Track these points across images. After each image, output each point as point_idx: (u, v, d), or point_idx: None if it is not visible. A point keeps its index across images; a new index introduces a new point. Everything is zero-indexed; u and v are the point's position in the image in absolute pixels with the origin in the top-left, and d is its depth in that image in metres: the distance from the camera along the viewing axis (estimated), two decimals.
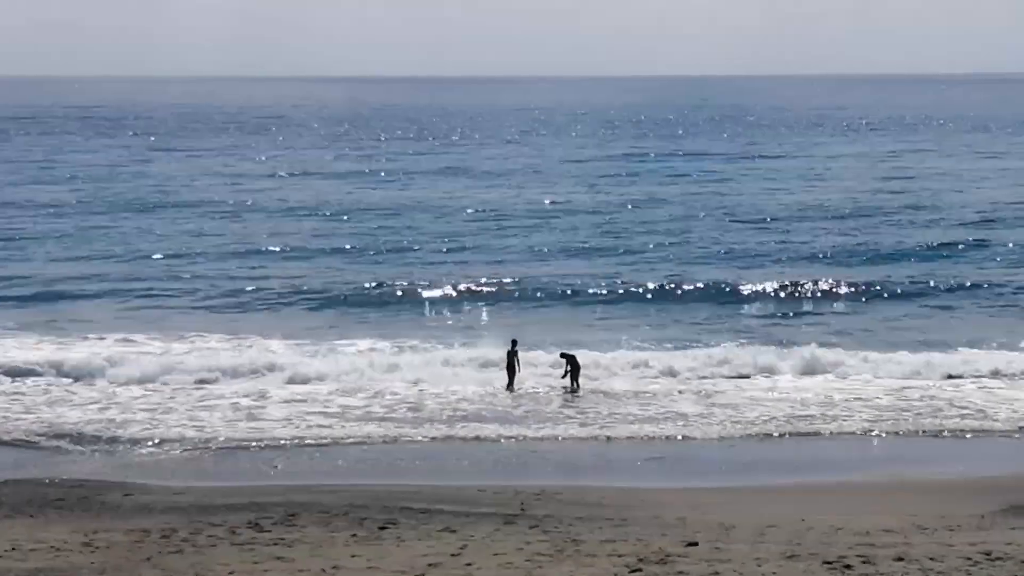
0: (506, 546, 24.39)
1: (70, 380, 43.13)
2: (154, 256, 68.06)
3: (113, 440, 36.43)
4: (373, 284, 60.16)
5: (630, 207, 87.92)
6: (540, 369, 43.96)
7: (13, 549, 24.70)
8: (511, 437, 37.05)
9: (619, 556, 23.41)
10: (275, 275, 62.91)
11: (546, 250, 70.77)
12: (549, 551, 23.92)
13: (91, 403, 40.37)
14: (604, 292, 59.21)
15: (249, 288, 59.61)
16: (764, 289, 59.50)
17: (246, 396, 41.07)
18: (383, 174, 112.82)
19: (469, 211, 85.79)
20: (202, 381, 42.90)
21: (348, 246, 71.56)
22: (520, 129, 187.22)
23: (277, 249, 70.47)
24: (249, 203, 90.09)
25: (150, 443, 36.02)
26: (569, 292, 59.25)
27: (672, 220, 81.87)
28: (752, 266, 65.82)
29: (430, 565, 23.07)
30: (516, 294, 59.05)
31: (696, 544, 24.28)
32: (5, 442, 36.27)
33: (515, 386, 42.32)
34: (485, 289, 59.76)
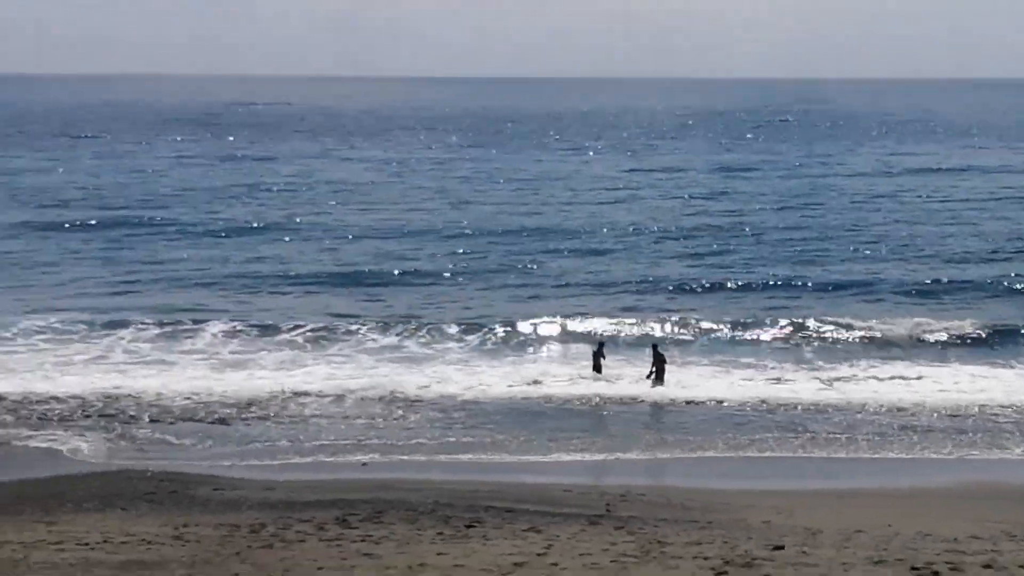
0: (591, 546, 24.37)
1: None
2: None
3: (206, 436, 36.83)
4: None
5: None
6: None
7: (105, 541, 25.00)
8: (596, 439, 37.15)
9: (705, 559, 23.34)
10: None
11: None
12: (635, 552, 23.88)
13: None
14: None
15: None
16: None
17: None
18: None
19: None
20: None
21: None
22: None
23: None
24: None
25: (246, 441, 36.37)
26: None
27: None
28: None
29: (516, 564, 23.10)
30: None
31: (782, 548, 24.17)
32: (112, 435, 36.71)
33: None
34: None
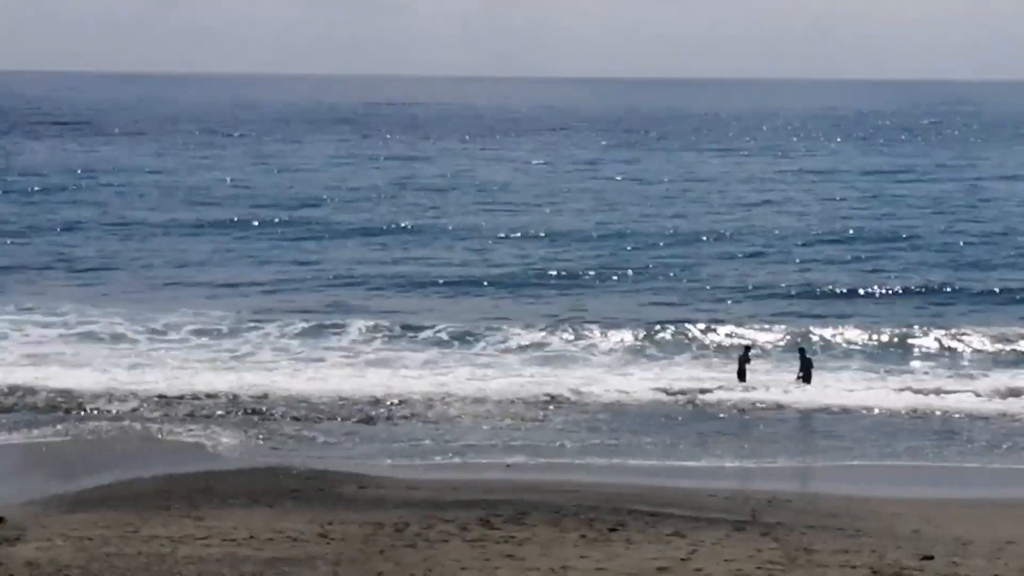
0: (736, 552, 24.15)
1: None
2: None
3: (352, 434, 37.09)
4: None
5: None
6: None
7: (251, 537, 25.25)
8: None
9: (852, 568, 23.04)
10: None
11: None
12: (780, 559, 23.62)
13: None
14: None
15: None
16: None
17: None
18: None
19: None
20: None
21: None
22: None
23: None
24: None
25: (391, 440, 36.56)
26: None
27: None
28: None
29: (659, 569, 22.96)
30: None
31: (932, 558, 23.76)
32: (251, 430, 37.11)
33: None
34: None
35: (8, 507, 27.70)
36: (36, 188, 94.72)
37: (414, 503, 28.51)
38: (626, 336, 49.26)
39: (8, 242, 70.62)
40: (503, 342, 48.61)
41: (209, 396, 40.47)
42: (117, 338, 48.23)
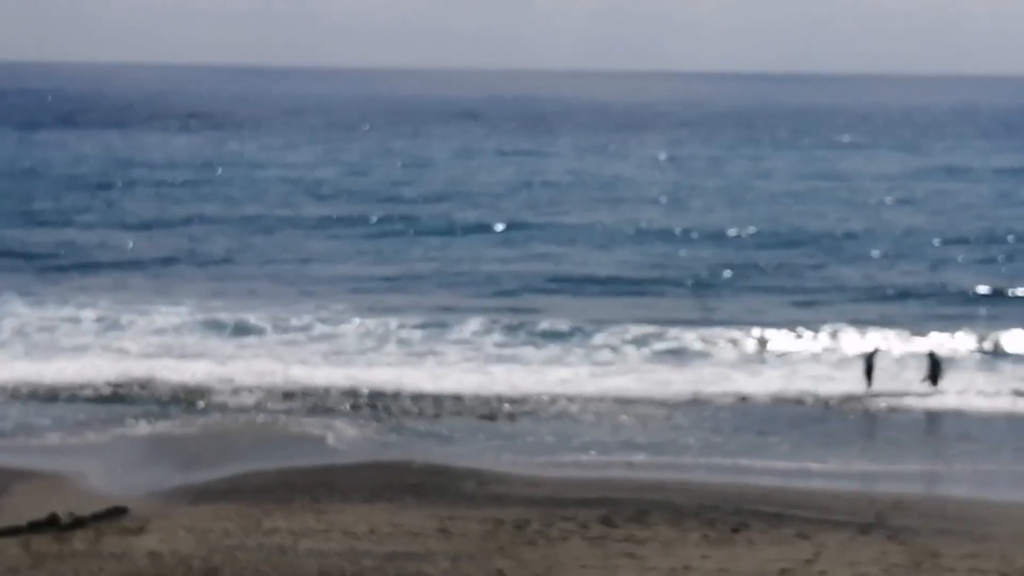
0: (861, 555, 23.81)
1: None
2: None
3: (472, 430, 37.09)
4: None
5: None
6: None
7: (371, 532, 25.30)
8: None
9: (980, 573, 22.64)
10: None
11: None
12: (906, 563, 23.25)
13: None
14: None
15: None
16: None
17: None
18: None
19: None
20: None
21: None
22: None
23: None
24: None
25: (512, 437, 36.50)
26: None
27: None
28: None
29: (782, 571, 22.69)
30: None
31: None
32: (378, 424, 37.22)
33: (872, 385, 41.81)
34: None
35: (132, 498, 28.01)
36: (161, 181, 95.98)
37: (535, 500, 28.39)
38: (751, 336, 48.69)
39: (134, 235, 71.54)
40: (625, 340, 48.26)
41: (331, 390, 40.67)
42: (240, 331, 48.60)
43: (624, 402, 40.15)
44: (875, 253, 68.89)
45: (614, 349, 47.18)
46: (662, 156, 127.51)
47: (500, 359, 45.65)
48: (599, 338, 48.40)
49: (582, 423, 37.98)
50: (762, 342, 48.18)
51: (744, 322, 51.12)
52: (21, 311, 50.60)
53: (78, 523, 25.89)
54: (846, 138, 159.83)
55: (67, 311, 50.61)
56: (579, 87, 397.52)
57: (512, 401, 40.03)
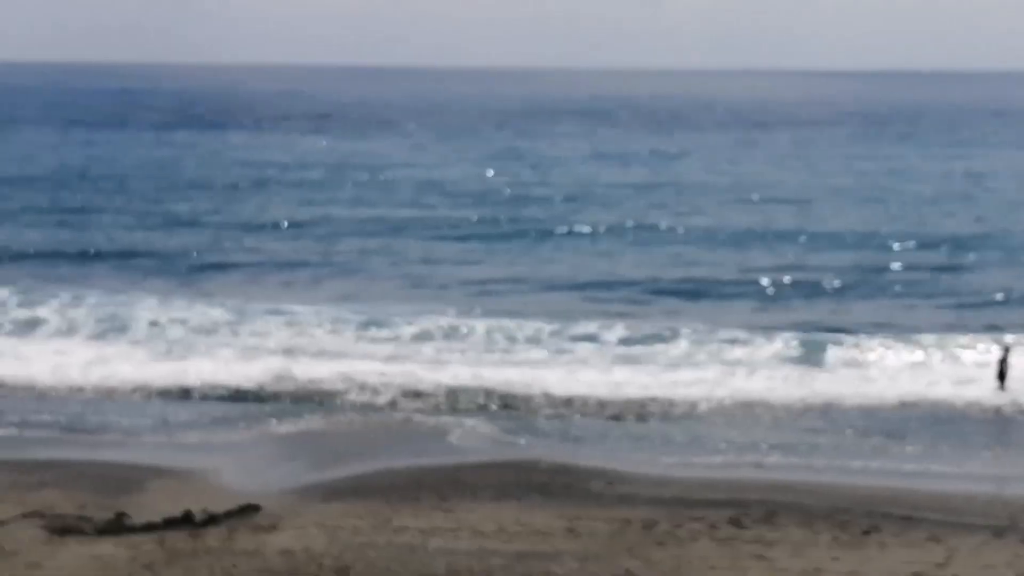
0: (994, 559, 23.51)
1: None
2: None
3: (600, 430, 37.08)
4: None
5: None
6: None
7: (499, 531, 25.40)
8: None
9: None
10: None
11: None
12: None
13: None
14: None
15: None
16: None
17: None
18: None
19: None
20: None
21: None
22: None
23: None
24: None
25: (640, 437, 36.43)
26: None
27: None
28: None
29: (914, 574, 22.48)
30: None
31: None
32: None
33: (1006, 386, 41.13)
34: None
35: (265, 496, 28.34)
36: (292, 182, 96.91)
37: (663, 500, 28.33)
38: (882, 339, 48.14)
39: (265, 235, 72.36)
40: (754, 342, 47.94)
41: (459, 389, 40.88)
42: (371, 330, 48.92)
43: (753, 403, 39.94)
44: (1011, 254, 67.76)
45: (744, 351, 46.86)
46: (790, 155, 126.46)
47: (628, 359, 45.56)
48: (728, 340, 48.12)
49: (710, 424, 37.85)
50: (893, 345, 47.61)
51: (875, 325, 50.60)
52: (156, 311, 51.34)
53: (212, 520, 26.26)
54: (982, 136, 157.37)
55: (200, 310, 51.27)
56: (707, 86, 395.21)
57: (640, 402, 39.96)
